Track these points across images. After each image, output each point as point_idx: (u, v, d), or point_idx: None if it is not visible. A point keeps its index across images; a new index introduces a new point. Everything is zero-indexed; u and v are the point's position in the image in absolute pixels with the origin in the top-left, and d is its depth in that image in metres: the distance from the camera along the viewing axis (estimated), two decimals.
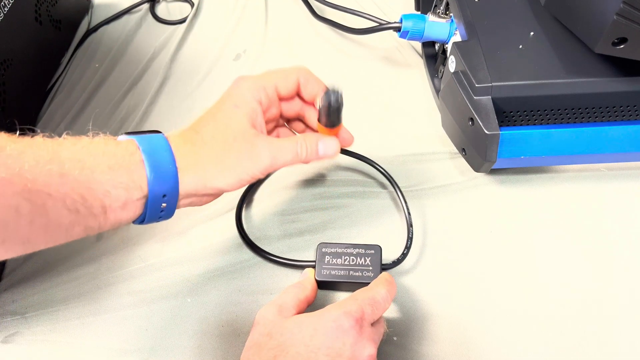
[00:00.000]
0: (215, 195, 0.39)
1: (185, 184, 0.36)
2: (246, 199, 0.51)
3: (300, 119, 0.45)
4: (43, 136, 0.33)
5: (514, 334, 0.43)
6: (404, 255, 0.45)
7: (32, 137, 0.33)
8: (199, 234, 0.49)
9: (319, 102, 0.40)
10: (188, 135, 0.37)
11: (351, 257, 0.43)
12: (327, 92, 0.39)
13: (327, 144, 0.41)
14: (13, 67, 0.54)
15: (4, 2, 0.52)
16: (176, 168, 0.35)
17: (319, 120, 0.42)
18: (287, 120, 0.46)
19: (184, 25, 0.69)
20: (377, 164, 0.50)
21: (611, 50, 0.41)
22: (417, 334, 0.43)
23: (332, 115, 0.41)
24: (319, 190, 0.52)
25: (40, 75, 0.62)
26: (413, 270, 0.46)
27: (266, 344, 0.34)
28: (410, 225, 0.47)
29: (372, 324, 0.37)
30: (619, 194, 0.51)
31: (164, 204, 0.36)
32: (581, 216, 0.49)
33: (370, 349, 0.34)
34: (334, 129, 0.42)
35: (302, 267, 0.45)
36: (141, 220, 0.36)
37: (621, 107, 0.47)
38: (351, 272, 0.43)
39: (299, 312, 0.38)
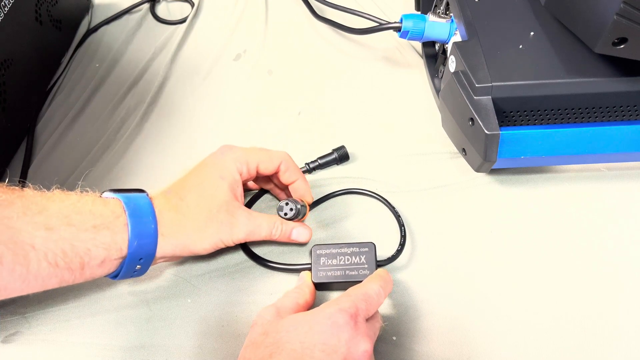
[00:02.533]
0: (187, 256, 0.43)
1: (164, 249, 0.38)
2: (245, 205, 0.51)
3: (266, 183, 0.50)
4: (33, 188, 0.35)
5: (513, 333, 0.43)
6: (398, 252, 0.45)
7: (22, 188, 0.34)
8: None
9: (278, 215, 0.44)
10: (173, 200, 0.40)
11: (346, 257, 0.44)
12: (280, 207, 0.44)
13: (300, 233, 0.46)
14: (13, 67, 0.54)
15: (4, 2, 0.52)
16: (157, 236, 0.37)
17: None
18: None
19: (184, 25, 0.69)
20: (346, 190, 0.52)
21: (611, 50, 0.41)
22: (416, 334, 0.43)
23: (293, 220, 0.45)
24: (316, 191, 0.52)
25: (40, 75, 0.62)
26: (413, 270, 0.46)
27: (262, 342, 0.34)
28: (402, 225, 0.48)
29: (367, 320, 0.37)
30: (619, 194, 0.51)
31: (138, 266, 0.38)
32: (581, 216, 0.49)
33: (366, 345, 0.34)
34: (302, 219, 0.47)
35: (299, 271, 0.45)
36: (114, 275, 0.38)
37: (621, 107, 0.47)
38: (347, 272, 0.43)
39: (294, 313, 0.38)
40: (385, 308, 0.44)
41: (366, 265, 0.43)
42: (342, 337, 0.34)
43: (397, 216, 0.48)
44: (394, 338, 0.42)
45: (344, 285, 0.43)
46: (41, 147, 0.57)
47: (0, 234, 0.31)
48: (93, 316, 0.44)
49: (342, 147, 0.53)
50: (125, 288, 0.46)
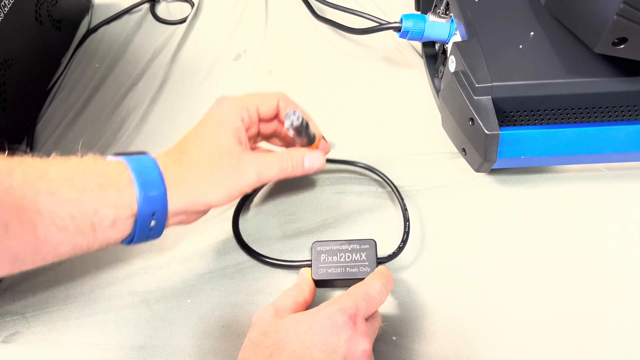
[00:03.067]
0: (204, 212, 0.40)
1: (174, 203, 0.37)
2: (245, 203, 0.51)
3: (277, 136, 0.48)
4: (32, 156, 0.34)
5: (513, 333, 0.43)
6: (400, 249, 0.45)
7: (21, 156, 0.33)
8: (199, 234, 0.49)
9: (286, 127, 0.41)
10: (175, 155, 0.38)
11: (346, 254, 0.43)
12: (288, 116, 0.40)
13: (313, 158, 0.43)
14: (13, 67, 0.54)
15: (4, 2, 0.52)
16: (165, 187, 0.36)
17: (295, 144, 0.44)
18: (265, 138, 0.48)
19: (184, 25, 0.69)
20: (365, 165, 0.51)
21: (611, 50, 0.41)
22: (416, 333, 0.43)
23: (302, 135, 0.42)
24: (317, 190, 0.52)
25: (40, 75, 0.62)
26: (413, 270, 0.46)
27: (262, 343, 0.34)
28: (407, 220, 0.47)
29: (367, 319, 0.37)
30: (619, 194, 0.51)
31: (153, 222, 0.36)
32: (581, 216, 0.49)
33: (365, 344, 0.34)
34: (313, 145, 0.44)
35: (298, 268, 0.45)
36: (130, 239, 0.36)
37: (621, 107, 0.47)
38: (347, 269, 0.43)
39: (293, 312, 0.38)
40: (385, 307, 0.44)
41: (367, 263, 0.43)
42: (342, 337, 0.34)
43: (404, 209, 0.48)
44: (394, 338, 0.42)
45: (344, 282, 0.43)
46: (41, 147, 0.57)
47: (2, 201, 0.30)
48: (93, 316, 0.44)
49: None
50: (125, 288, 0.46)
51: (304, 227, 0.49)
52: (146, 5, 0.72)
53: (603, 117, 0.48)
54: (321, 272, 0.43)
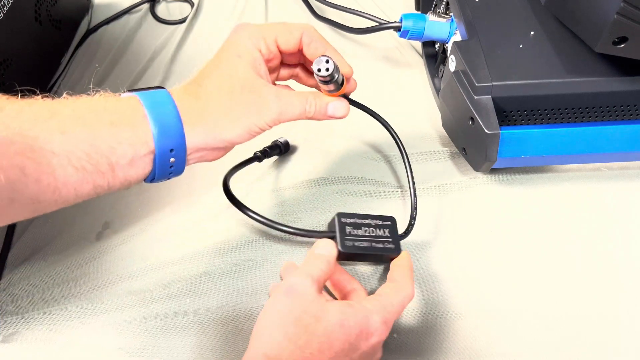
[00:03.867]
0: (226, 148, 0.38)
1: (193, 138, 0.35)
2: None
3: (294, 78, 0.43)
4: (43, 97, 0.32)
5: (513, 332, 0.43)
6: (411, 226, 0.45)
7: (30, 97, 0.32)
8: (199, 234, 0.49)
9: (315, 72, 0.38)
10: (191, 88, 0.36)
11: (370, 228, 0.42)
12: (318, 61, 0.37)
13: (337, 106, 0.40)
14: (13, 67, 0.54)
15: (4, 2, 0.52)
16: (181, 121, 0.34)
17: (320, 90, 0.40)
18: (290, 71, 0.43)
19: (184, 25, 0.69)
20: (383, 120, 0.50)
21: (612, 50, 0.41)
22: (416, 332, 0.43)
23: (330, 84, 0.39)
24: (317, 190, 0.52)
25: (40, 75, 0.62)
26: (413, 269, 0.46)
27: (314, 328, 0.33)
28: (414, 195, 0.47)
29: None
30: (619, 194, 0.51)
31: (172, 159, 0.34)
32: (581, 216, 0.49)
33: (380, 354, 0.37)
34: (340, 91, 0.41)
35: (316, 237, 0.42)
36: (151, 178, 0.35)
37: (621, 106, 0.47)
38: (374, 244, 0.41)
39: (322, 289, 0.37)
40: None
41: (391, 239, 0.42)
42: (377, 348, 0.36)
43: (412, 182, 0.47)
44: (395, 335, 0.42)
45: (369, 257, 0.42)
46: None
47: (15, 144, 0.29)
48: (93, 316, 0.44)
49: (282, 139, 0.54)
50: (124, 288, 0.46)
51: (304, 227, 0.49)
52: (146, 5, 0.72)
53: (603, 116, 0.48)
54: (348, 244, 0.40)
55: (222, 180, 0.45)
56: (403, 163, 0.49)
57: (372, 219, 0.42)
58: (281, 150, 0.53)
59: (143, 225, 0.50)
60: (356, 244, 0.41)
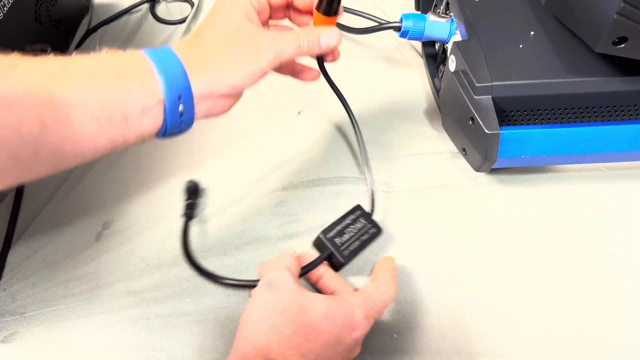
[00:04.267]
0: (231, 95, 0.38)
1: (198, 85, 0.36)
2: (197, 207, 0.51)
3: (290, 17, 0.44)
4: (54, 54, 0.34)
5: (513, 332, 0.43)
6: (373, 201, 0.49)
7: (38, 54, 0.33)
8: (199, 234, 0.49)
9: None
10: (191, 40, 0.38)
11: (351, 227, 0.45)
12: None
13: (329, 36, 0.41)
14: None
15: (4, 2, 0.52)
16: (184, 70, 0.35)
17: (317, 8, 0.40)
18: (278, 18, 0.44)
19: (184, 25, 0.69)
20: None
21: (612, 50, 0.41)
22: (416, 331, 0.43)
23: (333, 1, 0.39)
24: (317, 190, 0.52)
25: None
26: (413, 270, 0.46)
27: (299, 318, 0.35)
28: (368, 170, 0.50)
29: None
30: (619, 194, 0.51)
31: (181, 107, 0.36)
32: (581, 216, 0.49)
33: (359, 350, 0.38)
34: (332, 18, 0.41)
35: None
36: (164, 130, 0.36)
37: (621, 106, 0.47)
38: (361, 238, 0.45)
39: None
40: None
41: (370, 225, 0.46)
42: (358, 342, 0.37)
43: (365, 156, 0.51)
44: (395, 335, 0.42)
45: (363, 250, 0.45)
46: None
47: (32, 97, 0.30)
48: (93, 316, 0.44)
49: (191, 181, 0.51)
50: (124, 288, 0.45)
51: (304, 227, 0.49)
52: (146, 5, 0.72)
53: (603, 116, 0.48)
54: (346, 254, 0.44)
55: (186, 257, 0.46)
56: (360, 154, 0.52)
57: (346, 218, 0.46)
58: (194, 194, 0.51)
59: (143, 225, 0.50)
60: (351, 248, 0.44)
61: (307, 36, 0.40)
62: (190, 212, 0.49)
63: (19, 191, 0.53)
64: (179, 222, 0.50)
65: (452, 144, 0.52)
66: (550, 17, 0.49)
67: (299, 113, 0.59)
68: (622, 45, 0.40)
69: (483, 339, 0.42)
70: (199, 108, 0.37)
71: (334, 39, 0.41)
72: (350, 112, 0.52)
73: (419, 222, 0.49)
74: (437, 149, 0.55)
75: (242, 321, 0.36)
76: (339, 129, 0.57)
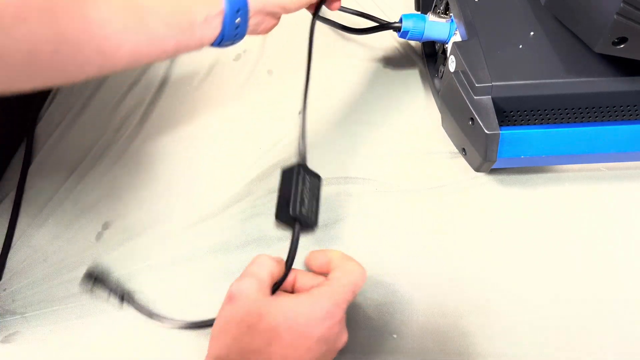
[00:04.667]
0: (276, 15, 0.44)
1: (254, 1, 0.41)
2: None
3: None
4: None
5: (513, 332, 0.43)
6: (304, 151, 0.46)
7: None
8: (199, 234, 0.49)
9: None
10: None
11: (304, 190, 0.44)
12: None
13: None
14: None
15: None
16: None
17: None
18: None
19: None
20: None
21: (611, 50, 0.41)
22: (416, 332, 0.43)
23: None
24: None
25: None
26: (413, 269, 0.46)
27: (257, 325, 0.34)
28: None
29: None
30: (619, 194, 0.51)
31: (238, 19, 0.40)
32: (581, 216, 0.49)
33: (346, 336, 0.37)
34: None
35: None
36: (220, 39, 0.40)
37: (621, 107, 0.47)
38: (315, 195, 0.45)
39: (271, 285, 0.38)
40: (385, 306, 0.44)
41: (312, 177, 0.45)
42: (334, 330, 0.36)
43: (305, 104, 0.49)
44: (394, 336, 0.42)
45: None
46: (41, 147, 0.57)
47: (119, 1, 0.33)
48: (93, 316, 0.44)
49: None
50: (124, 288, 0.46)
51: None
52: None
53: (603, 117, 0.48)
54: (313, 218, 0.44)
55: (120, 298, 0.44)
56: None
57: (297, 184, 0.43)
58: (120, 296, 0.46)
59: (143, 226, 0.50)
60: (314, 210, 0.44)
61: None
62: (120, 293, 0.45)
63: (19, 191, 0.53)
64: (179, 222, 0.50)
65: (452, 144, 0.52)
66: (550, 18, 0.49)
67: (299, 113, 0.59)
68: (622, 46, 0.40)
69: (483, 339, 0.42)
70: (250, 22, 0.42)
71: None
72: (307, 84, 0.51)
73: (418, 222, 0.49)
74: (437, 149, 0.55)
75: (210, 335, 0.36)
76: (339, 130, 0.57)
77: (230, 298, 0.37)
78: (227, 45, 0.41)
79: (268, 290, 0.37)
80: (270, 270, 0.38)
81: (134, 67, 0.36)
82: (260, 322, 0.35)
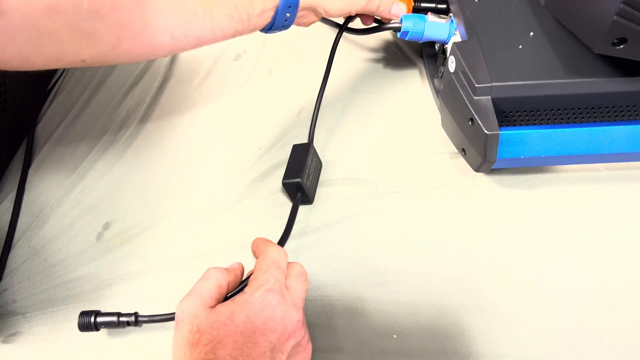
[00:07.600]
0: (318, 16, 0.49)
1: (305, 0, 0.45)
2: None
3: None
4: None
5: (512, 332, 0.43)
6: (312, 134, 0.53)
7: None
8: (199, 234, 0.49)
9: None
10: None
11: (311, 167, 0.50)
12: None
13: (400, 7, 0.53)
14: None
15: None
16: None
17: None
18: None
19: None
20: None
21: (611, 51, 0.41)
22: (416, 332, 0.43)
23: None
24: (316, 191, 0.52)
25: (40, 75, 0.62)
26: (413, 269, 0.46)
27: (199, 341, 0.35)
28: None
29: (290, 284, 0.38)
30: (618, 195, 0.51)
31: (288, 14, 0.45)
32: (580, 216, 0.49)
33: (297, 314, 0.37)
34: None
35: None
36: (269, 27, 0.45)
37: (621, 107, 0.47)
38: (316, 175, 0.51)
39: (221, 297, 0.38)
40: (386, 306, 0.44)
41: (316, 160, 0.52)
42: (277, 315, 0.36)
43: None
44: (395, 336, 0.42)
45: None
46: (41, 147, 0.57)
47: None
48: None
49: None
50: (125, 288, 0.46)
51: (305, 228, 0.49)
52: None
53: (603, 117, 0.48)
54: (313, 194, 0.50)
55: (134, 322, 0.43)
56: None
57: (308, 159, 0.49)
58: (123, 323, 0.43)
59: (143, 226, 0.50)
60: (313, 187, 0.50)
61: (386, 2, 0.52)
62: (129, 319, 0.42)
63: (20, 191, 0.53)
64: (179, 222, 0.50)
65: (451, 144, 0.52)
66: (549, 18, 0.49)
67: (299, 113, 0.59)
68: (622, 46, 0.40)
69: (483, 339, 0.42)
70: (297, 15, 0.46)
71: (401, 11, 0.53)
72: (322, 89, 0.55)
73: (418, 222, 0.49)
74: (437, 149, 0.55)
75: None
76: (339, 130, 0.57)
77: (175, 322, 0.37)
78: (274, 32, 0.46)
79: (215, 302, 0.37)
80: (217, 283, 0.38)
81: (195, 48, 0.41)
82: (202, 337, 0.35)
